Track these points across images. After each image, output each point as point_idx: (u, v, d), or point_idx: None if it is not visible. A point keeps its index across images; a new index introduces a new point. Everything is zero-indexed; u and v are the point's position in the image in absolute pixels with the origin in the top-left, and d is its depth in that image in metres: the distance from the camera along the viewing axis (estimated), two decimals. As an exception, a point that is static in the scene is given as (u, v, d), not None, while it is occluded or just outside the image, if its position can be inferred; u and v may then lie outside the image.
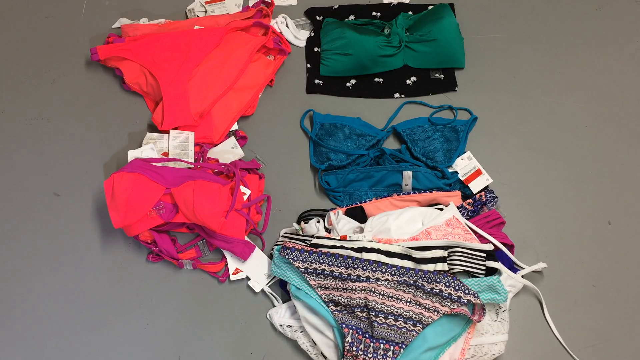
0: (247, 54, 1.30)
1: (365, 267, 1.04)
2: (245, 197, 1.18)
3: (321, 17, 1.40)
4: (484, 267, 1.02)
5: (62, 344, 1.15)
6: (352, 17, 1.39)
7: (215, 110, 1.28)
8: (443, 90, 1.32)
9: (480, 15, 1.39)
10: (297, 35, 1.39)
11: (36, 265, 1.21)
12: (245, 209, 1.18)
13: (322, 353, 1.08)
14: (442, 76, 1.33)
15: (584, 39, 1.37)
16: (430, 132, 1.25)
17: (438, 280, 1.00)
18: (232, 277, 1.17)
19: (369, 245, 1.06)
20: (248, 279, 1.17)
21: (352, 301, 1.03)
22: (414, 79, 1.33)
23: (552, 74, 1.34)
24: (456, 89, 1.32)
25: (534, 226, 1.20)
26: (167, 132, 1.25)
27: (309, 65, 1.37)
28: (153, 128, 1.32)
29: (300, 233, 1.16)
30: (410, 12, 1.38)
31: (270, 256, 1.18)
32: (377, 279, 1.03)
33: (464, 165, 1.22)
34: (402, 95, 1.33)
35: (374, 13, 1.39)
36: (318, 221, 1.16)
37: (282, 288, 1.15)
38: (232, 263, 1.17)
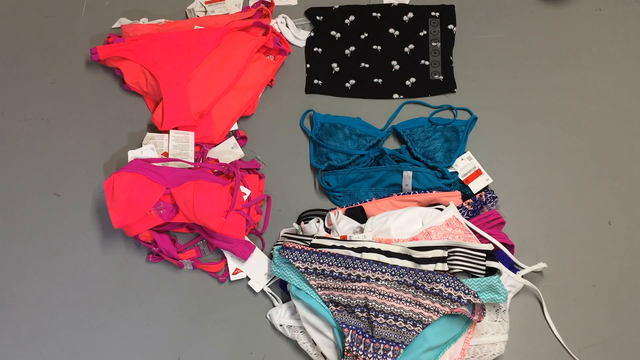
0: (247, 54, 1.30)
1: (365, 267, 1.04)
2: (245, 197, 1.18)
3: (321, 17, 1.39)
4: (484, 267, 1.02)
5: (62, 344, 1.15)
6: (352, 18, 1.38)
7: (215, 110, 1.28)
8: (442, 92, 1.32)
9: (480, 15, 1.39)
10: (297, 35, 1.39)
11: (36, 265, 1.21)
12: (245, 209, 1.18)
13: (322, 353, 1.08)
14: (441, 77, 1.33)
15: (584, 39, 1.37)
16: (430, 132, 1.25)
17: (438, 280, 1.00)
18: (232, 277, 1.17)
19: (369, 245, 1.06)
20: (248, 279, 1.17)
21: (352, 301, 1.03)
22: (413, 80, 1.33)
23: (552, 73, 1.34)
24: (455, 90, 1.32)
25: (534, 226, 1.20)
26: (167, 132, 1.25)
27: (308, 65, 1.36)
28: (153, 128, 1.32)
29: (300, 233, 1.16)
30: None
31: (270, 256, 1.18)
32: (377, 279, 1.03)
33: (464, 165, 1.22)
34: (402, 96, 1.32)
35: (374, 14, 1.39)
36: (318, 221, 1.16)
37: (282, 288, 1.15)
38: (232, 263, 1.17)
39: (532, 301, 1.14)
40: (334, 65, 1.36)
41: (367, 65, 1.35)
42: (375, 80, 1.34)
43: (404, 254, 1.05)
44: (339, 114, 1.30)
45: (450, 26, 1.36)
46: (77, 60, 1.40)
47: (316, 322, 1.07)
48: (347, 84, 1.34)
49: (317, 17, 1.40)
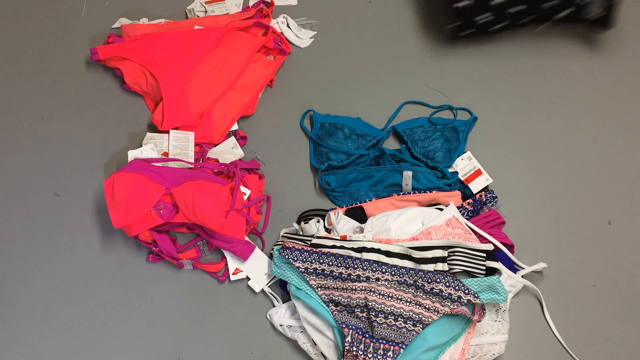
0: (247, 54, 1.30)
1: (365, 267, 1.04)
2: (245, 197, 1.18)
3: None
4: (484, 267, 1.02)
5: (62, 344, 1.15)
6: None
7: (215, 110, 1.28)
8: (597, 25, 1.26)
9: (480, 15, 1.39)
10: (299, 34, 1.39)
11: (36, 265, 1.21)
12: (245, 209, 1.18)
13: (322, 353, 1.08)
14: (599, 11, 1.25)
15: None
16: (430, 132, 1.25)
17: (438, 280, 1.00)
18: (232, 277, 1.17)
19: (369, 245, 1.06)
20: (248, 279, 1.17)
21: (352, 301, 1.03)
22: (566, 12, 1.27)
23: (552, 73, 1.34)
24: (612, 27, 1.26)
25: (534, 226, 1.20)
26: (167, 132, 1.25)
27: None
28: (153, 128, 1.32)
29: (300, 233, 1.16)
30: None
31: (270, 256, 1.18)
32: (377, 279, 1.03)
33: (464, 165, 1.22)
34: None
35: None
36: (318, 221, 1.16)
37: (282, 288, 1.15)
38: (232, 263, 1.17)
39: (532, 301, 1.14)
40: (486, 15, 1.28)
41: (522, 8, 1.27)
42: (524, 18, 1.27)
43: (404, 254, 1.05)
44: (339, 113, 1.30)
45: None
46: (77, 60, 1.40)
47: (316, 322, 1.07)
48: (496, 27, 1.28)
49: None
